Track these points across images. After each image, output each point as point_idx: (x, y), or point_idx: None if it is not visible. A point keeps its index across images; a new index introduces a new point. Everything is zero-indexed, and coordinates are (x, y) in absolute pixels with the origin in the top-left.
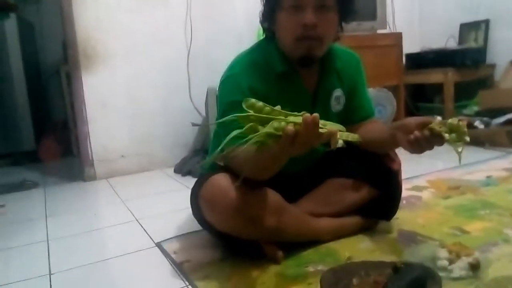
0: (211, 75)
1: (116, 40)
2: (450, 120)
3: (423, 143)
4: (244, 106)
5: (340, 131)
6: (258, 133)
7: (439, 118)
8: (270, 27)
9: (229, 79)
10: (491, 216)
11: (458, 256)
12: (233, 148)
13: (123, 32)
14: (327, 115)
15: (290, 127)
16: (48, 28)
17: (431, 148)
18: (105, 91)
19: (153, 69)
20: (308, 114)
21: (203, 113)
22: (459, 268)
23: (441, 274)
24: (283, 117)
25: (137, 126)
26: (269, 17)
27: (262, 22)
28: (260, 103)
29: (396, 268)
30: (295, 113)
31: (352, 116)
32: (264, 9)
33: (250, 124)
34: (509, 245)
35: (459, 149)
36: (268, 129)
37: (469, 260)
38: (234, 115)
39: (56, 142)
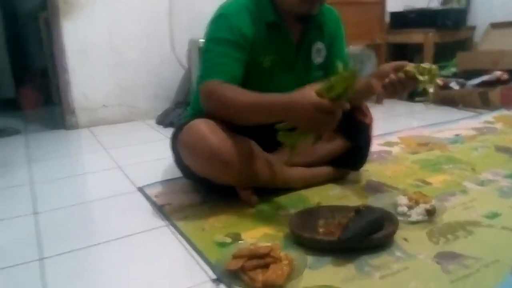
0: (194, 27)
1: None
2: (422, 64)
3: (398, 85)
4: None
5: None
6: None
7: (411, 64)
8: None
9: (220, 18)
10: (453, 170)
11: (417, 203)
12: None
13: None
14: (308, 66)
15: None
16: None
17: (404, 91)
18: (85, 39)
19: (133, 18)
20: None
21: (186, 65)
22: (416, 213)
23: (401, 218)
24: None
25: (118, 75)
26: None
27: None
28: None
29: (358, 211)
30: None
31: (328, 67)
32: None
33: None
34: (465, 196)
35: (431, 90)
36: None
37: (426, 206)
38: None
39: (36, 90)
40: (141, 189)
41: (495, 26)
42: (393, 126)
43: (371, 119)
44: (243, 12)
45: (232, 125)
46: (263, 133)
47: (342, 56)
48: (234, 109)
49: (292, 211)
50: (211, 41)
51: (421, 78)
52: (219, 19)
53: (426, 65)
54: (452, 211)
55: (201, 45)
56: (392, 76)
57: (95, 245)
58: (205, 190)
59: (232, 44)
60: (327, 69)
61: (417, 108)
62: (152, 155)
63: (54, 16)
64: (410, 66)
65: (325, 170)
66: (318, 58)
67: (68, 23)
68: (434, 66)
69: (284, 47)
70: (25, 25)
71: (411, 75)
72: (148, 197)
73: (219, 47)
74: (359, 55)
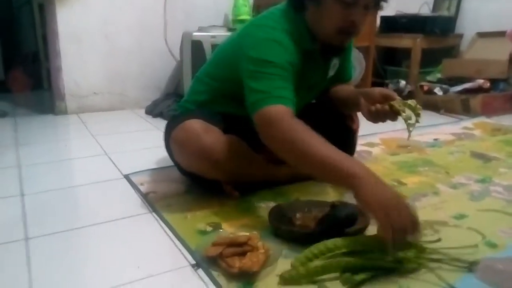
0: (188, 20)
1: None
2: (409, 101)
3: (381, 115)
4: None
5: None
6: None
7: (398, 98)
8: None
9: (272, 43)
10: (428, 173)
11: None
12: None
13: None
14: (324, 80)
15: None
16: None
17: (384, 121)
18: (79, 26)
19: (129, 8)
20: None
21: (178, 57)
22: None
23: None
24: None
25: (110, 64)
26: None
27: None
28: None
29: (333, 206)
30: None
31: (334, 77)
32: None
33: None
34: (437, 197)
35: (411, 129)
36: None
37: None
38: None
39: (26, 74)
40: (127, 177)
41: (482, 35)
42: (376, 128)
43: (357, 125)
44: (290, 40)
45: (223, 124)
46: (254, 134)
47: (349, 68)
48: (300, 153)
49: (272, 204)
50: (264, 62)
51: (404, 115)
52: (271, 44)
53: (412, 102)
54: (423, 211)
55: (194, 38)
56: (379, 106)
57: (79, 228)
58: (190, 181)
59: (285, 69)
60: (335, 77)
61: None
62: (139, 144)
63: (49, 2)
64: (396, 102)
65: None
66: (332, 72)
67: (63, 9)
68: (418, 106)
69: (317, 70)
70: (18, 8)
71: (395, 110)
72: (133, 185)
73: (273, 69)
74: None
